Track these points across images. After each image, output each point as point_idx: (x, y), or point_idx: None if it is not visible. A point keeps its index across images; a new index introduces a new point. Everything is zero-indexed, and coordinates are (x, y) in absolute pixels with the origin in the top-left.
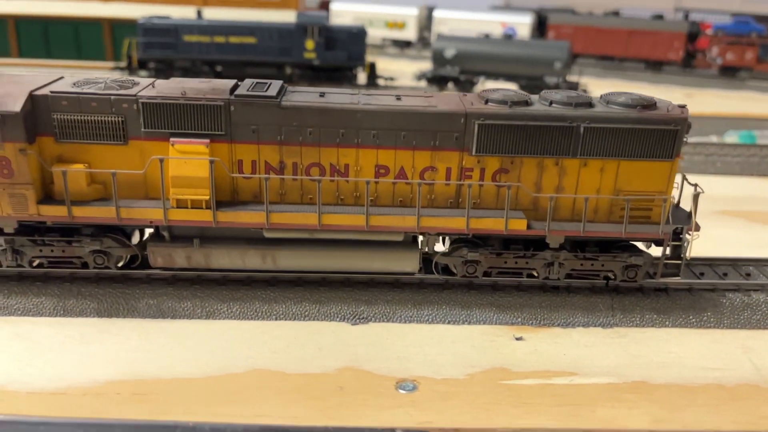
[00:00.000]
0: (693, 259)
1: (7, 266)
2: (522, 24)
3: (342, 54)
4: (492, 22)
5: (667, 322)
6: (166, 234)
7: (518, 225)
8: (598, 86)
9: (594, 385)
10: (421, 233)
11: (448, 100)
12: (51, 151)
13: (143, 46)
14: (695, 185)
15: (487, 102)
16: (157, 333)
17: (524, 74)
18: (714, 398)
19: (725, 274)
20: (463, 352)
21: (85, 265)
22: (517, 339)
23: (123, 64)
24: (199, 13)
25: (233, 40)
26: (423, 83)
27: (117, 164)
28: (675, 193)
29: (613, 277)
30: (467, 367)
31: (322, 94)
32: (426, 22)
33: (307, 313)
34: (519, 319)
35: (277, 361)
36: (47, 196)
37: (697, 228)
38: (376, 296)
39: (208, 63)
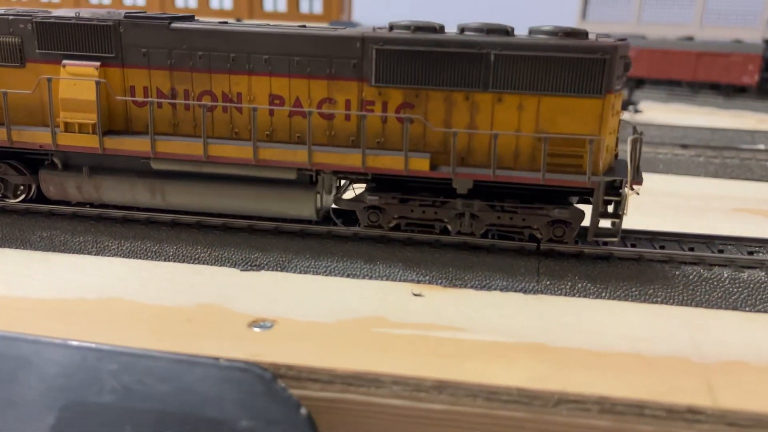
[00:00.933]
0: (660, 233)
1: None
2: None
3: None
4: None
5: (603, 293)
6: (58, 162)
7: (420, 165)
8: (662, 111)
9: (478, 341)
10: (315, 171)
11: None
12: None
13: None
14: (633, 127)
15: (392, 28)
16: (39, 263)
17: None
18: (626, 366)
19: (691, 249)
20: (345, 301)
21: None
22: (416, 295)
23: None
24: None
25: None
26: None
27: (16, 87)
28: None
29: (540, 235)
30: (341, 314)
31: (222, 22)
32: None
33: (197, 256)
34: (427, 277)
35: (140, 294)
36: None
37: (638, 180)
38: (273, 244)
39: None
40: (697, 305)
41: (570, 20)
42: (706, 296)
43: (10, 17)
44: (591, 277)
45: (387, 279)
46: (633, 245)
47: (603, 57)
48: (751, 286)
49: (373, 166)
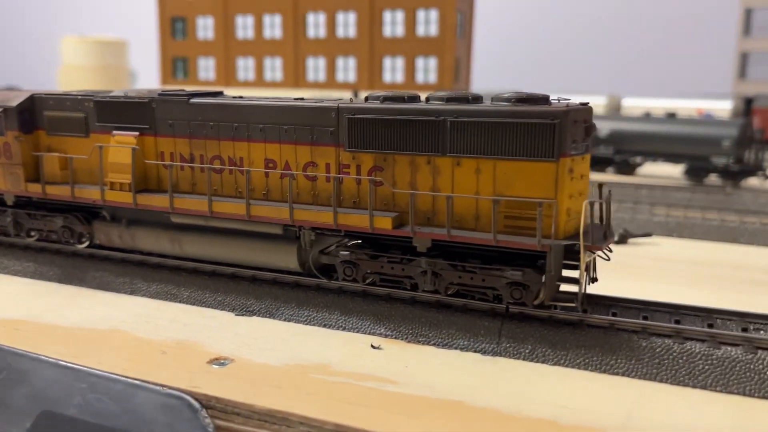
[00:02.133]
0: (671, 305)
1: (15, 234)
2: (721, 110)
3: None
4: (687, 109)
5: (563, 360)
6: (107, 215)
7: (383, 223)
8: None
9: (402, 394)
10: (296, 226)
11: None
12: (44, 142)
13: None
14: (600, 185)
15: (366, 99)
16: (84, 298)
17: (688, 154)
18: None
19: (677, 321)
20: (305, 349)
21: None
22: (374, 347)
23: None
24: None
25: None
26: None
27: (82, 153)
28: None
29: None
30: (293, 359)
31: (236, 97)
32: (614, 110)
33: (204, 299)
34: (394, 332)
35: (140, 328)
36: (36, 178)
37: (598, 245)
38: (268, 293)
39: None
40: (658, 380)
41: (726, 81)
42: (671, 372)
43: (79, 98)
44: (553, 343)
45: (356, 331)
46: (614, 313)
47: (553, 122)
48: (724, 364)
49: (343, 223)
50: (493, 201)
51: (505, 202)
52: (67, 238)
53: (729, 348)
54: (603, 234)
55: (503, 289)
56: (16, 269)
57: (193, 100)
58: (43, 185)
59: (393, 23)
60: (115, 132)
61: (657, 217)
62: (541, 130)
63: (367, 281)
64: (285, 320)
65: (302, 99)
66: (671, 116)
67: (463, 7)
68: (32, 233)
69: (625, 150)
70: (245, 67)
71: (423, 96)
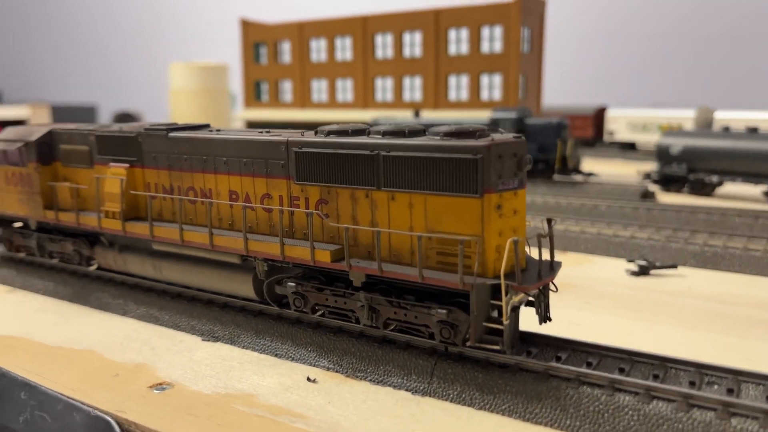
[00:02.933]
0: (606, 348)
1: (40, 255)
2: None
3: (532, 146)
4: None
5: (487, 405)
6: (105, 240)
7: (323, 256)
8: None
9: (301, 430)
10: (250, 256)
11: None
12: (60, 172)
13: None
14: (549, 220)
15: (316, 133)
16: (78, 317)
17: None
18: None
19: (622, 370)
20: (242, 377)
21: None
22: (310, 380)
23: None
24: (416, 113)
25: None
26: (652, 186)
27: (87, 184)
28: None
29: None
30: (225, 387)
31: (212, 131)
32: (705, 124)
33: (179, 323)
34: (335, 365)
35: (110, 350)
36: (52, 205)
37: (526, 285)
38: (233, 320)
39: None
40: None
41: None
42: (592, 425)
43: (85, 132)
44: (481, 387)
45: (302, 362)
46: (558, 357)
47: (475, 157)
48: (650, 420)
49: (288, 255)
50: (417, 237)
51: (435, 237)
52: (78, 261)
53: (663, 403)
54: (537, 272)
55: (434, 327)
56: (38, 287)
57: (171, 134)
58: (56, 212)
59: (458, 41)
60: (111, 164)
61: (692, 246)
62: (464, 165)
63: (319, 313)
64: (242, 347)
65: (267, 131)
66: (752, 131)
67: (530, 22)
68: (54, 255)
69: (700, 169)
70: (319, 89)
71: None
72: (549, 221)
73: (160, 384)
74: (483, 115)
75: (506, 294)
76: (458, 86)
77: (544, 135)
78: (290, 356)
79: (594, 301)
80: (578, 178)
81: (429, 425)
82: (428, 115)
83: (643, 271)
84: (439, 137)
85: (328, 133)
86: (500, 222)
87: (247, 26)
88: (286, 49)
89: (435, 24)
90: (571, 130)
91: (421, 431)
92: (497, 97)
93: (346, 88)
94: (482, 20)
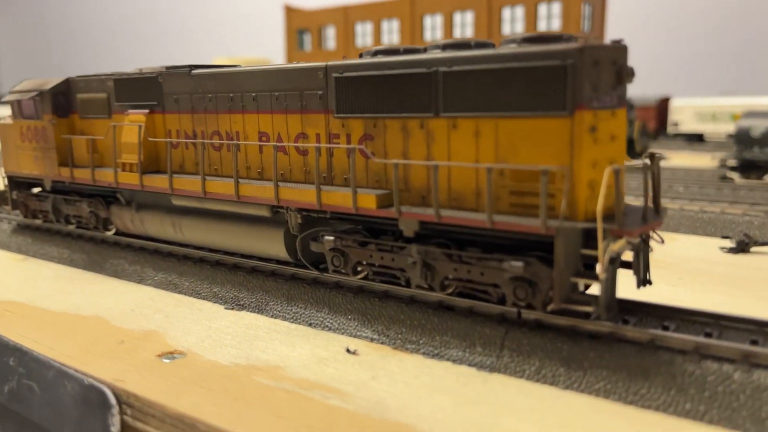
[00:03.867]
0: (728, 317)
1: (56, 221)
2: None
3: None
4: None
5: (576, 383)
6: (122, 198)
7: (367, 202)
8: None
9: (341, 409)
10: (281, 207)
11: None
12: (78, 125)
13: None
14: (652, 154)
15: (361, 55)
16: (90, 283)
17: None
18: None
19: (754, 342)
20: (268, 348)
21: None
22: (349, 352)
23: None
24: None
25: None
26: (730, 174)
27: (105, 135)
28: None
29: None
30: (247, 358)
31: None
32: None
33: (200, 290)
34: (381, 336)
35: (118, 317)
36: (68, 162)
37: (628, 229)
38: (262, 286)
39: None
40: (705, 421)
41: None
42: (725, 410)
43: (102, 78)
44: (567, 361)
45: (340, 332)
46: (665, 327)
47: (563, 63)
48: None
49: (326, 203)
50: (486, 170)
51: (508, 172)
52: (95, 224)
53: None
54: (642, 216)
55: (506, 286)
56: (52, 255)
57: (195, 72)
58: (71, 169)
59: (512, 20)
60: (129, 111)
61: None
62: (549, 74)
63: (361, 276)
64: (272, 317)
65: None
66: None
67: None
68: (70, 220)
69: None
70: None
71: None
72: (652, 156)
73: (171, 352)
74: None
75: (603, 239)
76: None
77: None
78: (327, 326)
79: (688, 276)
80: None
81: (501, 407)
82: None
83: (741, 248)
84: (516, 44)
85: (375, 53)
86: (594, 150)
87: (290, 12)
88: (330, 34)
89: (488, 2)
90: None
91: (492, 414)
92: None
93: None
94: None
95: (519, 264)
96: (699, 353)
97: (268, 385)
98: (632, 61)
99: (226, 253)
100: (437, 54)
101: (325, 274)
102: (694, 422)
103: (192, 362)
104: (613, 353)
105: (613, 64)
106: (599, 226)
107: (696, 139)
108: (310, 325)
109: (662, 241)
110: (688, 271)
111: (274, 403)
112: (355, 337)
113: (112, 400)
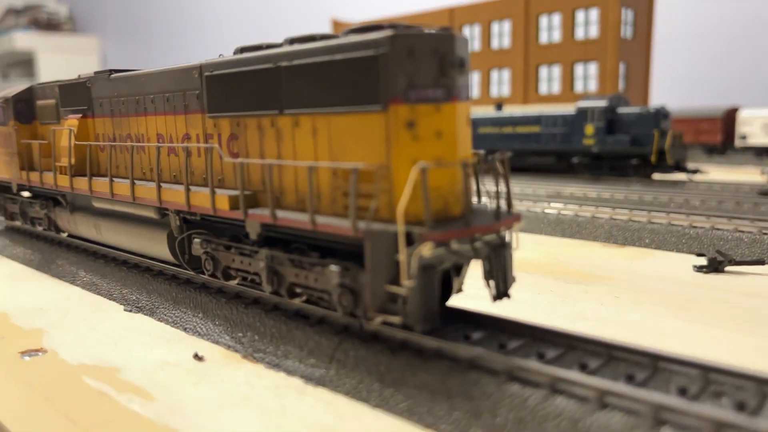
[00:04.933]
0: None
1: (23, 223)
2: None
3: (623, 138)
4: None
5: (384, 401)
6: (62, 201)
7: (222, 203)
8: None
9: (133, 413)
10: (164, 209)
11: None
12: (39, 131)
13: None
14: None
15: (235, 51)
16: (33, 281)
17: None
18: None
19: (584, 366)
20: (125, 349)
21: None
22: (197, 358)
23: None
24: (498, 107)
25: (520, 130)
26: None
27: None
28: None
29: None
30: (97, 359)
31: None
32: None
33: (110, 291)
34: (236, 343)
35: (23, 315)
36: (27, 166)
37: (438, 232)
38: (158, 289)
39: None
40: None
41: None
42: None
43: (52, 84)
44: (383, 376)
45: (205, 338)
46: (502, 345)
47: (376, 53)
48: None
49: (193, 204)
50: (308, 169)
51: (340, 172)
52: (47, 225)
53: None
54: (471, 219)
55: (333, 292)
56: (18, 255)
57: (113, 75)
58: (27, 172)
59: (549, 28)
60: (69, 116)
61: None
62: (362, 65)
63: (236, 280)
64: (158, 319)
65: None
66: None
67: (634, 2)
68: (34, 222)
69: None
70: None
71: None
72: (497, 155)
73: (35, 350)
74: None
75: (411, 244)
76: (549, 77)
77: (639, 125)
78: (197, 331)
79: (626, 295)
80: (681, 175)
81: (295, 425)
82: (513, 110)
83: (714, 267)
84: (341, 36)
85: (242, 50)
86: (414, 147)
87: (337, 27)
88: None
89: (525, 11)
90: (696, 134)
91: (280, 430)
92: (593, 88)
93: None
94: (576, 3)
95: (335, 269)
96: (510, 375)
97: (89, 384)
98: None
99: (136, 254)
100: (281, 49)
101: (213, 279)
102: None
103: (46, 360)
104: (427, 371)
105: (434, 54)
106: (399, 229)
107: (767, 153)
108: (185, 329)
109: (515, 247)
110: (635, 289)
111: (75, 402)
112: (216, 343)
113: None
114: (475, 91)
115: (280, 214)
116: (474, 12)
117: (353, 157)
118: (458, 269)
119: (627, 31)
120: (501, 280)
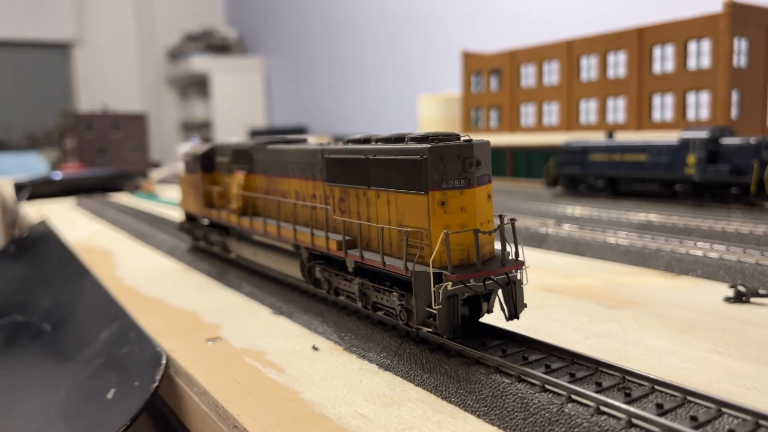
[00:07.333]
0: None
1: (206, 245)
2: None
3: (723, 168)
4: None
5: (421, 381)
6: (232, 232)
7: (332, 245)
8: None
9: (269, 378)
10: (297, 245)
11: None
12: (217, 179)
13: (558, 165)
14: (501, 216)
15: (343, 142)
16: (209, 289)
17: None
18: None
19: (572, 375)
20: (273, 340)
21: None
22: (315, 348)
23: (545, 180)
24: (609, 134)
25: (627, 157)
26: None
27: (230, 187)
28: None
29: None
30: (254, 346)
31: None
32: None
33: (263, 299)
34: (340, 340)
35: (207, 314)
36: (209, 204)
37: (456, 274)
38: (293, 298)
39: (605, 178)
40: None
41: None
42: (488, 408)
43: (226, 147)
44: (423, 365)
45: (323, 335)
46: (525, 358)
47: (421, 158)
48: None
49: (315, 243)
50: (379, 229)
51: (399, 230)
52: (222, 248)
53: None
54: (481, 264)
55: (396, 310)
56: (201, 268)
57: (269, 147)
58: (209, 210)
59: (663, 59)
60: (237, 171)
61: None
62: (414, 166)
63: (343, 296)
64: (293, 321)
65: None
66: None
67: (749, 32)
68: (214, 244)
69: None
70: (526, 113)
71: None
72: (501, 218)
73: (215, 338)
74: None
75: (439, 282)
76: (663, 106)
77: (739, 156)
78: (316, 330)
79: (643, 319)
80: None
81: (364, 390)
82: (625, 137)
83: (739, 298)
84: (403, 142)
85: (347, 142)
86: (446, 217)
87: (467, 58)
88: (494, 80)
89: (638, 42)
90: None
91: (354, 393)
92: (705, 116)
93: (551, 112)
94: (689, 34)
95: (396, 294)
96: (498, 370)
97: (246, 360)
98: None
99: (285, 275)
100: (370, 146)
101: (326, 294)
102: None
103: (221, 345)
104: (450, 364)
105: (458, 158)
106: (431, 271)
107: None
108: (309, 329)
109: (525, 282)
110: (653, 314)
111: (237, 369)
112: (328, 339)
113: (165, 359)
114: (592, 117)
115: (366, 255)
116: (591, 44)
117: (409, 221)
118: (487, 297)
119: (741, 61)
120: (511, 306)
